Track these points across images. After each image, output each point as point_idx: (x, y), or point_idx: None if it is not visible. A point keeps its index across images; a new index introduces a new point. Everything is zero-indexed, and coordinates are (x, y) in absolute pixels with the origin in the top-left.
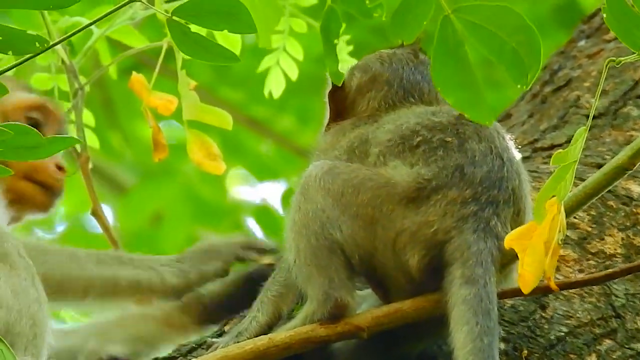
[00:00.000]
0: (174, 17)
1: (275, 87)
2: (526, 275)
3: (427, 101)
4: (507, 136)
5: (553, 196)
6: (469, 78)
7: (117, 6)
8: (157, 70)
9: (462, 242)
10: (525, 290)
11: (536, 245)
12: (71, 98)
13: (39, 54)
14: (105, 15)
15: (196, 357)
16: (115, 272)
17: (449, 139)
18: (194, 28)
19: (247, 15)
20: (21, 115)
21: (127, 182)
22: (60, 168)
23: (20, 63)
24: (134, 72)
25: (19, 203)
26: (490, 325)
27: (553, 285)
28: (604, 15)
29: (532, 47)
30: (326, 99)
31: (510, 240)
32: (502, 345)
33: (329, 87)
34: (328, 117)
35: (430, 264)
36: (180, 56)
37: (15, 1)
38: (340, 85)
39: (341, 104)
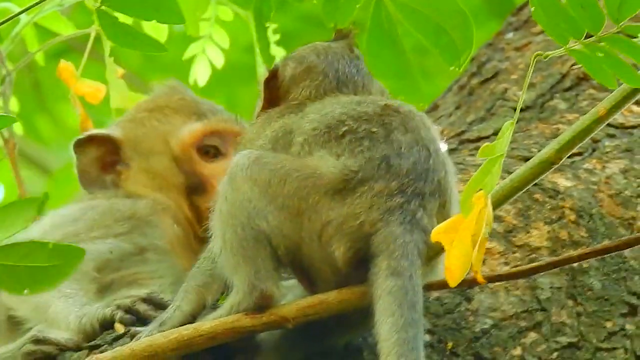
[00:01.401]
0: (103, 7)
1: (200, 75)
2: (453, 268)
3: (360, 95)
4: (434, 127)
5: (480, 189)
6: (403, 63)
7: None
8: (85, 57)
9: (388, 235)
10: (452, 283)
11: (463, 239)
12: None
13: None
14: (36, 4)
15: (121, 345)
16: None
17: (375, 130)
18: (122, 17)
19: (175, 5)
20: (194, 151)
21: (55, 166)
22: None
23: None
24: (61, 60)
25: None
26: (415, 317)
27: (480, 279)
28: (532, 9)
29: (466, 31)
30: (261, 87)
31: (437, 233)
32: (427, 337)
33: (265, 75)
34: (260, 105)
35: (356, 256)
36: (108, 44)
37: None
38: (273, 70)
39: (274, 93)
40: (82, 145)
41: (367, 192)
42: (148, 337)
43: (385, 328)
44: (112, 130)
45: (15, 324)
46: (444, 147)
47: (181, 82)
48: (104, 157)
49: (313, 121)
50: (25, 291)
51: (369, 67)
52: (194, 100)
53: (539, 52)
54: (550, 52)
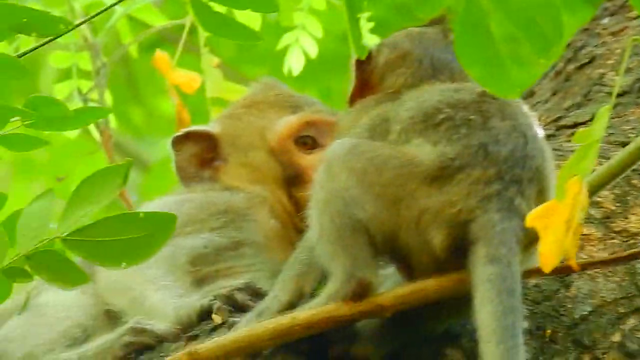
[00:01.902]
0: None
1: (294, 64)
2: (547, 254)
3: (457, 82)
4: (531, 114)
5: (575, 175)
6: (493, 53)
7: None
8: (180, 47)
9: (486, 222)
10: (546, 269)
11: (557, 224)
12: (94, 76)
13: (63, 34)
14: None
15: (219, 335)
16: None
17: (472, 117)
18: (216, 6)
19: None
20: (292, 143)
21: (151, 159)
22: None
23: (44, 44)
24: (157, 50)
25: None
26: (514, 304)
27: (574, 265)
28: None
29: (556, 23)
30: (352, 71)
31: (532, 218)
32: (526, 324)
33: (355, 58)
34: (352, 90)
35: (454, 243)
36: (203, 34)
37: None
38: (365, 59)
39: (367, 78)
40: (180, 141)
41: (465, 179)
42: (246, 327)
43: (484, 315)
44: (210, 126)
45: (112, 318)
46: (541, 133)
47: (276, 79)
48: (202, 154)
49: (410, 109)
50: (123, 264)
51: (457, 56)
52: (289, 94)
53: (635, 37)
54: None
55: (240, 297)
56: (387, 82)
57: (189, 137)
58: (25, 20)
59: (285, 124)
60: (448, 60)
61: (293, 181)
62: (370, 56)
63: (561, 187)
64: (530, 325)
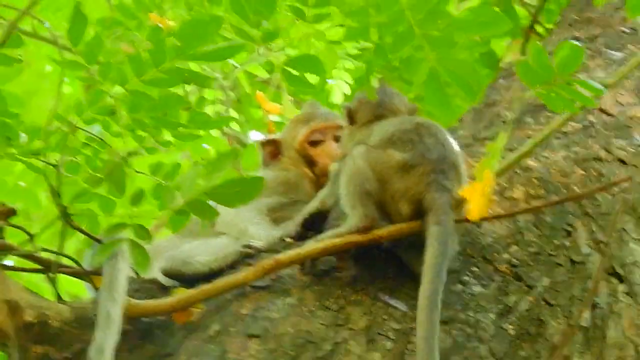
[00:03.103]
0: (285, 67)
1: (336, 98)
2: (472, 210)
3: (396, 113)
4: (446, 132)
5: (486, 168)
6: (444, 97)
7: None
8: (271, 88)
9: (431, 198)
10: (472, 219)
11: (477, 195)
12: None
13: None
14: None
15: (289, 251)
16: None
17: (414, 137)
18: (294, 72)
19: (321, 64)
20: (306, 144)
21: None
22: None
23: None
24: (257, 91)
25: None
26: (445, 250)
27: (487, 215)
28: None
29: (478, 81)
30: (345, 113)
31: (463, 191)
32: (457, 247)
33: (346, 108)
34: (346, 122)
35: (414, 210)
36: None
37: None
38: (347, 108)
39: (352, 116)
40: (263, 143)
41: (415, 173)
42: (306, 246)
43: (428, 256)
44: (278, 135)
45: (219, 235)
46: (454, 142)
47: (314, 100)
48: (273, 151)
49: (377, 135)
50: (238, 205)
51: (426, 97)
52: (309, 112)
53: (518, 92)
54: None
55: (300, 230)
56: (362, 118)
57: (267, 141)
58: (187, 75)
59: (301, 134)
60: (391, 102)
61: (311, 164)
62: (350, 107)
63: (479, 174)
64: (459, 248)
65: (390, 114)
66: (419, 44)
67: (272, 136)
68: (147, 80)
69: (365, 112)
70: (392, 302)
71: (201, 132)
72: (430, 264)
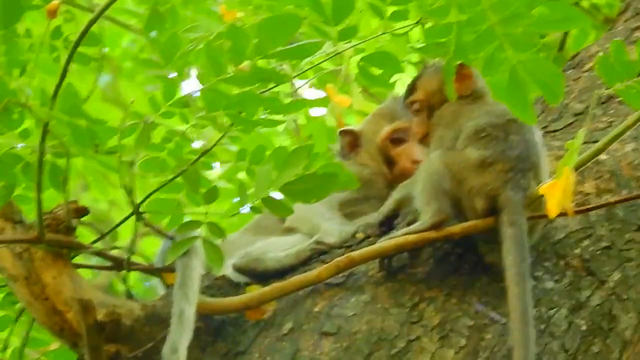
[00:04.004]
0: (360, 62)
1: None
2: (552, 208)
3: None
4: (534, 129)
5: (566, 165)
6: (528, 104)
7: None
8: (340, 81)
9: (506, 196)
10: (551, 216)
11: (557, 192)
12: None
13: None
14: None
15: (363, 248)
16: None
17: (500, 134)
18: (369, 68)
19: (397, 60)
20: (388, 142)
21: None
22: (416, 162)
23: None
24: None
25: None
26: (524, 254)
27: (570, 212)
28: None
29: (559, 83)
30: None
31: (542, 189)
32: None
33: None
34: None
35: (489, 207)
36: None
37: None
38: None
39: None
40: (342, 133)
41: (494, 170)
42: (379, 242)
43: (508, 262)
44: (357, 127)
45: (291, 230)
46: (539, 141)
47: (398, 96)
48: (351, 142)
49: (470, 127)
50: (313, 200)
51: (507, 101)
52: (393, 108)
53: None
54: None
55: (371, 228)
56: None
57: (347, 131)
58: (265, 75)
59: (384, 131)
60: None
61: (390, 163)
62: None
63: (560, 171)
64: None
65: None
66: (499, 44)
67: (352, 127)
68: (226, 79)
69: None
70: (491, 314)
71: (279, 118)
72: (513, 268)
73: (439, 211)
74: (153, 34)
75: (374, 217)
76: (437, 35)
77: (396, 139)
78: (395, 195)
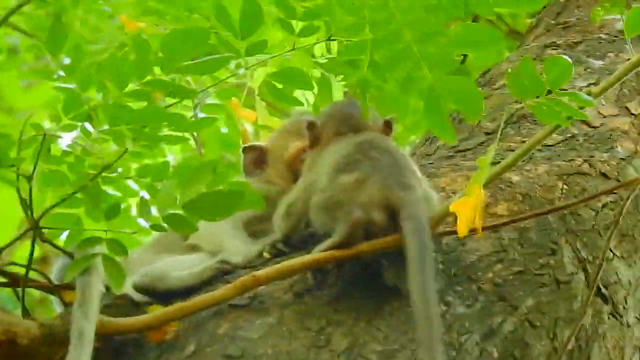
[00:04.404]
0: (269, 80)
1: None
2: (461, 226)
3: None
4: (391, 142)
5: (476, 183)
6: (447, 124)
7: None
8: (243, 95)
9: (396, 197)
10: (462, 234)
11: (468, 210)
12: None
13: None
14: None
15: (268, 267)
16: None
17: (359, 157)
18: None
19: (307, 77)
20: (296, 159)
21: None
22: None
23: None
24: (232, 98)
25: None
26: (425, 240)
27: (479, 230)
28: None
29: (478, 101)
30: (305, 130)
31: (453, 206)
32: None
33: (309, 124)
34: (309, 143)
35: (388, 215)
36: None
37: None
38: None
39: (316, 136)
40: (246, 150)
41: (372, 182)
42: (286, 262)
43: (409, 251)
44: (263, 142)
45: (194, 248)
46: (404, 157)
47: (305, 110)
48: (257, 159)
49: (323, 166)
50: (217, 218)
51: (428, 123)
52: (301, 124)
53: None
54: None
55: (279, 245)
56: (326, 136)
57: (250, 148)
58: (171, 89)
59: (292, 147)
60: (359, 117)
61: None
62: (314, 123)
63: (470, 188)
64: (442, 267)
65: (357, 131)
66: (416, 62)
67: (256, 143)
68: (129, 93)
69: (332, 130)
70: None
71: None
72: (413, 257)
73: (347, 230)
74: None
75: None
76: (350, 53)
77: (305, 155)
78: (285, 211)
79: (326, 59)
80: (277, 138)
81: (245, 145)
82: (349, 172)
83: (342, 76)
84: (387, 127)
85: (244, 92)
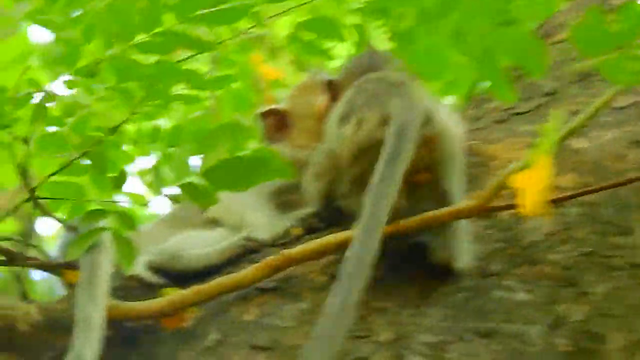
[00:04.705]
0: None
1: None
2: (526, 203)
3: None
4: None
5: (541, 153)
6: (508, 82)
7: None
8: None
9: (393, 104)
10: (527, 213)
11: (533, 183)
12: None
13: None
14: None
15: (299, 244)
16: None
17: (368, 86)
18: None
19: (337, 26)
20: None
21: None
22: None
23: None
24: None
25: None
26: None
27: (548, 210)
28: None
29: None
30: (324, 89)
31: (517, 180)
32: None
33: (328, 82)
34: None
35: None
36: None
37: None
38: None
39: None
40: (264, 115)
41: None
42: (321, 239)
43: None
44: (282, 104)
45: (214, 223)
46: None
47: (321, 68)
48: (277, 123)
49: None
50: (240, 189)
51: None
52: (323, 78)
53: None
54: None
55: (312, 219)
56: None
57: (269, 112)
58: (185, 40)
59: (320, 102)
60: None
61: None
62: (332, 81)
63: (534, 160)
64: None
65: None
66: (468, 10)
67: (274, 106)
68: (138, 45)
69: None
70: None
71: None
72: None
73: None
74: None
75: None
76: None
77: None
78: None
79: (362, 3)
80: (299, 96)
81: (262, 110)
82: (348, 119)
83: (381, 22)
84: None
85: (265, 45)
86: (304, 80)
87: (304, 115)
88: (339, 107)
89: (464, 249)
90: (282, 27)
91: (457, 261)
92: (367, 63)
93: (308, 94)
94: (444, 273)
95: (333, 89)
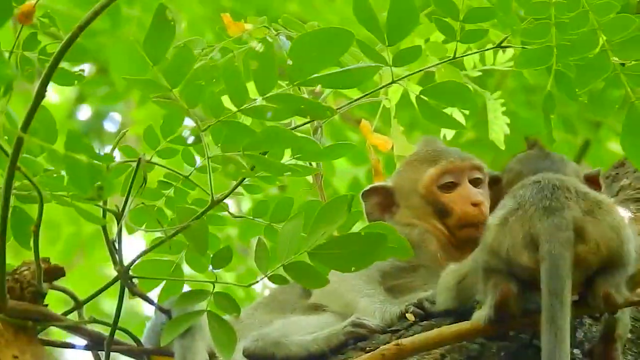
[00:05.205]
0: (421, 96)
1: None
2: None
3: None
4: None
5: None
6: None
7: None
8: (377, 118)
9: (540, 227)
10: None
11: None
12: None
13: (331, 117)
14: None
15: (414, 333)
16: None
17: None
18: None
19: (470, 93)
20: (436, 188)
21: None
22: (476, 204)
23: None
24: (362, 120)
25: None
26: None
27: None
28: None
29: None
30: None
31: None
32: None
33: (491, 178)
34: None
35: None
36: (393, 110)
37: None
38: (496, 177)
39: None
40: (367, 194)
41: (517, 217)
42: (437, 329)
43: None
44: (387, 181)
45: (317, 308)
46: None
47: (434, 136)
48: (382, 202)
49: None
50: (353, 268)
51: (623, 148)
52: (434, 149)
53: None
54: None
55: (427, 304)
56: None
57: (373, 190)
58: (302, 107)
59: (428, 175)
60: (544, 167)
61: (442, 214)
62: (498, 179)
63: None
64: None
65: None
66: (614, 74)
67: (378, 184)
68: (250, 110)
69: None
70: None
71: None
72: (544, 312)
73: (498, 290)
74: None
75: (427, 292)
76: (531, 62)
77: (445, 184)
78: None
79: (480, 71)
80: (406, 171)
81: (365, 189)
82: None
83: (498, 93)
84: (591, 182)
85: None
86: (412, 154)
87: (410, 190)
88: (499, 210)
89: None
90: (393, 94)
91: None
92: (539, 166)
93: (416, 168)
94: None
95: (496, 187)
